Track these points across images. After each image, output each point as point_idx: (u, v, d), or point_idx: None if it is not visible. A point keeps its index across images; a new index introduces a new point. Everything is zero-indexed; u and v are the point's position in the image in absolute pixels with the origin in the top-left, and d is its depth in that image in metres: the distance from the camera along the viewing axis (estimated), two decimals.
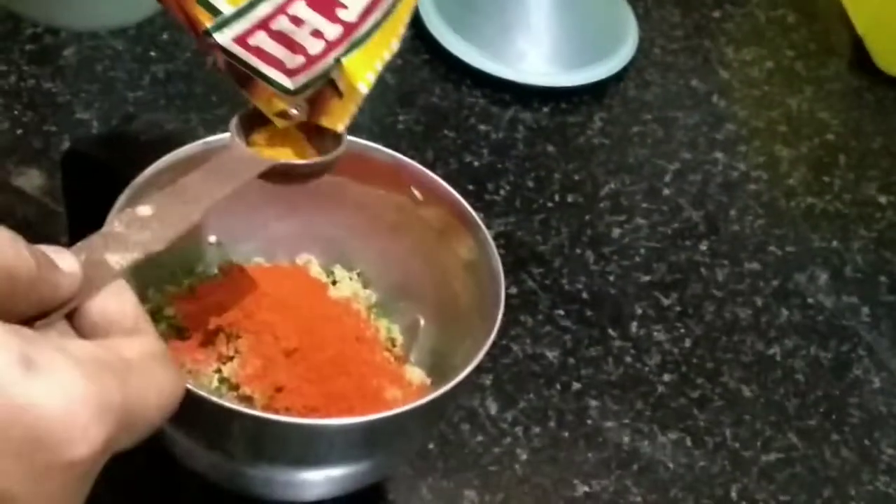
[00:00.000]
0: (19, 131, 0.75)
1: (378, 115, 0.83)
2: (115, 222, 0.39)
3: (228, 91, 0.47)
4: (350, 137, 0.49)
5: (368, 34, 0.46)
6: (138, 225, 0.39)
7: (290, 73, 0.46)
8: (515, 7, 0.90)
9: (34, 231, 0.67)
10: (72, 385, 0.31)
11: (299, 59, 0.45)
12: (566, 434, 0.67)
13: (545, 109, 0.87)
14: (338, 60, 0.46)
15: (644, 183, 0.83)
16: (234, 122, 0.48)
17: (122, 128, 0.75)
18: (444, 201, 0.58)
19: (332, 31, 0.45)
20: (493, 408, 0.67)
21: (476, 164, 0.81)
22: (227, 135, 0.48)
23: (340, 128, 0.48)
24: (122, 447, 0.33)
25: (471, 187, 0.79)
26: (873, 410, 0.72)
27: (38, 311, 0.34)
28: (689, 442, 0.68)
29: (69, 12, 0.82)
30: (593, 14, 0.93)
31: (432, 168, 0.59)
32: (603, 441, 0.67)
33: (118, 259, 0.37)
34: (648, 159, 0.85)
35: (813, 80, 0.96)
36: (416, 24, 0.90)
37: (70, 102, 0.77)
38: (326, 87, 0.47)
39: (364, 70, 0.47)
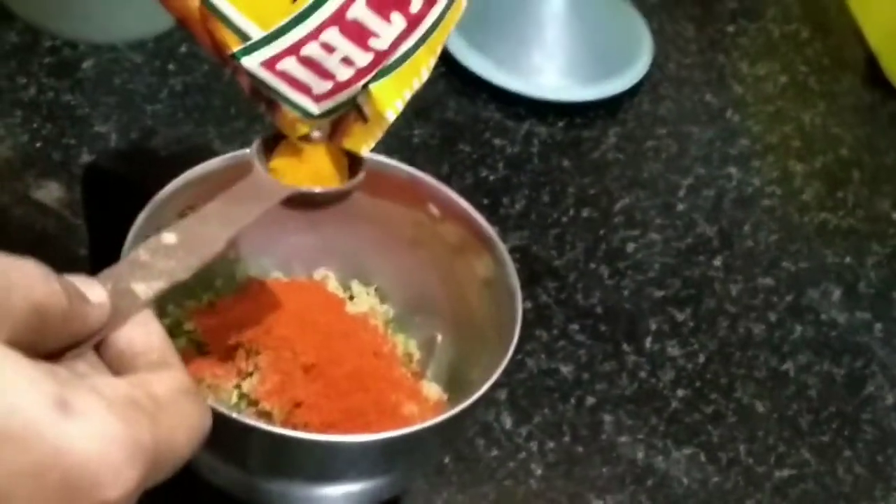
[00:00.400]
0: (38, 144, 0.75)
1: (394, 129, 0.81)
2: (140, 250, 0.39)
3: (247, 104, 0.47)
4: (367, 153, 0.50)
5: (399, 62, 0.46)
6: (163, 253, 0.39)
7: (317, 98, 0.45)
8: (531, 22, 0.91)
9: (53, 244, 0.68)
10: (106, 427, 0.31)
11: (327, 85, 0.45)
12: (580, 449, 0.67)
13: (560, 124, 0.87)
14: (365, 86, 0.46)
15: (658, 198, 0.83)
16: (255, 146, 0.47)
17: (141, 141, 0.76)
18: (462, 218, 0.59)
19: (363, 59, 0.45)
20: (507, 422, 0.68)
21: (491, 178, 0.82)
22: (246, 151, 0.48)
23: (364, 150, 0.48)
24: (153, 484, 0.34)
25: (486, 201, 0.79)
26: (886, 427, 0.72)
27: (67, 344, 0.34)
28: (702, 457, 0.68)
29: (88, 25, 0.83)
30: (608, 29, 0.93)
31: (448, 182, 0.60)
32: (617, 456, 0.67)
33: (144, 288, 0.37)
34: (662, 174, 0.85)
35: (826, 95, 0.96)
36: None
37: (89, 115, 0.78)
38: (351, 110, 0.47)
39: (392, 97, 0.47)
